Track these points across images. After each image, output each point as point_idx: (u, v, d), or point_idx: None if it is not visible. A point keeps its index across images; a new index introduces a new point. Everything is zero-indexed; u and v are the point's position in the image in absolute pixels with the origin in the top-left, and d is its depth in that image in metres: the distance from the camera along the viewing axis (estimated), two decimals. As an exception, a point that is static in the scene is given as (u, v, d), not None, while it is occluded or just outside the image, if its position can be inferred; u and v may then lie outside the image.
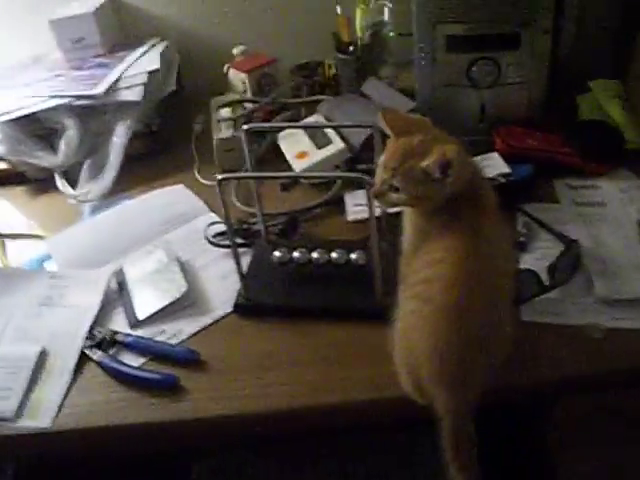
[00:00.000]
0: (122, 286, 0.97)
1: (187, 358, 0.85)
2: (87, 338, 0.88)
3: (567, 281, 0.89)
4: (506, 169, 1.02)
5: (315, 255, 0.93)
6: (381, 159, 0.75)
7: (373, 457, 1.04)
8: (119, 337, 0.88)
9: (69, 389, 0.83)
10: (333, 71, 1.38)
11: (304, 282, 0.93)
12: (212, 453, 1.27)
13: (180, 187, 1.17)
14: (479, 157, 1.06)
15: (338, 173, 0.89)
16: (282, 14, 1.43)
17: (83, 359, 0.86)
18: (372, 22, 1.26)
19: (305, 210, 1.08)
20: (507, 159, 1.05)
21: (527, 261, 0.93)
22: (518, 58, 1.06)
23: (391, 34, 1.28)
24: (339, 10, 1.30)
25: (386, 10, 1.27)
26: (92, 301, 0.94)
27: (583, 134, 1.10)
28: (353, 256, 0.92)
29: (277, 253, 0.94)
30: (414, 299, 0.72)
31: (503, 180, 1.00)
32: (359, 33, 1.30)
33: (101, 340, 0.88)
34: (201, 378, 0.83)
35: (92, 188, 1.16)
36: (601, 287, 0.87)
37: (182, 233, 1.07)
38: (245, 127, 0.89)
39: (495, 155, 1.06)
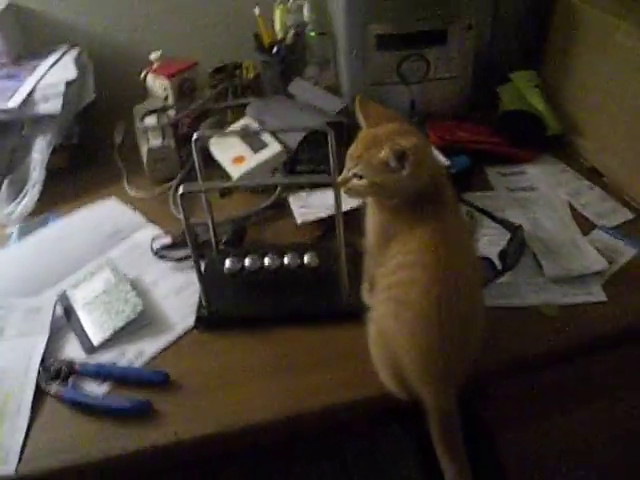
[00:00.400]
0: (69, 311, 0.91)
1: (155, 380, 0.81)
2: (40, 371, 0.82)
3: (516, 264, 0.94)
4: (445, 162, 1.05)
5: (267, 261, 0.92)
6: (349, 149, 0.75)
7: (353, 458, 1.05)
8: (76, 366, 0.82)
9: (29, 429, 0.76)
10: (253, 73, 1.36)
11: (262, 289, 0.91)
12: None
13: (112, 201, 1.11)
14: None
15: (307, 177, 0.86)
16: (198, 16, 1.39)
17: (40, 395, 0.80)
18: (295, 22, 1.26)
19: (249, 216, 1.06)
20: (442, 152, 1.09)
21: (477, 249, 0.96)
22: (445, 53, 1.10)
23: (312, 34, 1.29)
24: (257, 11, 1.29)
25: (305, 10, 1.28)
26: (38, 331, 0.87)
27: (509, 123, 1.16)
28: (306, 259, 0.92)
29: (228, 263, 0.91)
30: (390, 302, 0.73)
31: (444, 172, 1.03)
32: (280, 34, 1.29)
33: (57, 371, 0.82)
34: (173, 400, 0.79)
35: (15, 209, 1.07)
36: (549, 267, 0.92)
37: (123, 249, 1.01)
38: (194, 137, 0.86)
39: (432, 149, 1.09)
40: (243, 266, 0.91)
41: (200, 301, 0.89)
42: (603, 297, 0.89)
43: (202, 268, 0.94)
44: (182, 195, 0.76)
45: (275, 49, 1.25)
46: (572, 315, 0.88)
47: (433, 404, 0.72)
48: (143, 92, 1.32)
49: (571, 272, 0.92)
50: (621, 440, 1.04)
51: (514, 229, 0.97)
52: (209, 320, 0.88)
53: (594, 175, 1.12)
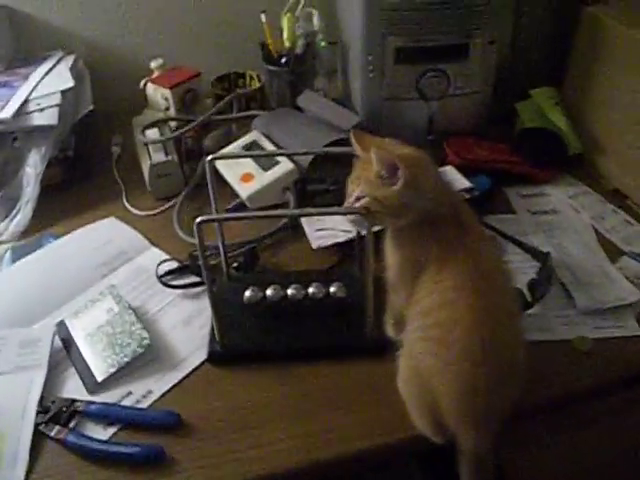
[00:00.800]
0: (68, 344, 0.84)
1: (166, 422, 0.74)
2: (39, 412, 0.75)
3: (545, 295, 0.89)
4: (467, 184, 1.00)
5: (290, 291, 0.86)
6: (349, 177, 0.74)
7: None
8: (79, 406, 0.76)
9: (27, 478, 0.70)
10: (257, 83, 1.30)
11: (282, 321, 0.85)
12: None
13: (112, 220, 1.04)
14: (434, 171, 1.04)
15: (323, 210, 0.81)
16: (200, 23, 1.33)
17: (39, 438, 0.73)
18: (304, 31, 1.20)
19: (261, 239, 0.99)
20: (461, 172, 1.04)
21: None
22: (466, 68, 1.05)
23: (322, 43, 1.23)
24: (264, 18, 1.23)
25: (315, 18, 1.22)
26: (36, 365, 0.80)
27: (528, 141, 1.11)
28: (332, 289, 0.86)
29: (248, 293, 0.85)
30: (429, 341, 0.68)
31: (468, 196, 0.98)
32: (287, 43, 1.23)
33: (57, 412, 0.75)
34: (186, 444, 0.73)
35: (6, 228, 1.00)
36: (581, 299, 0.88)
37: (125, 274, 0.95)
38: (209, 158, 0.79)
39: (452, 169, 1.04)
40: (264, 296, 0.85)
41: (212, 333, 0.83)
42: (638, 331, 0.85)
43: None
44: (199, 225, 0.70)
45: (284, 59, 1.19)
46: (606, 350, 0.83)
47: (471, 446, 0.68)
48: (142, 102, 1.25)
49: (604, 304, 0.87)
50: None
51: (543, 257, 0.92)
52: (223, 355, 0.82)
53: (617, 197, 1.07)
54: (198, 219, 0.69)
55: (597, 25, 1.06)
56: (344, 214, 0.73)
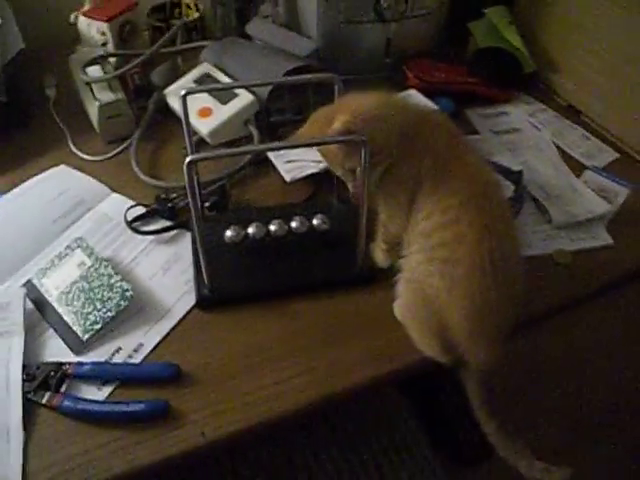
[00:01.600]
0: (40, 305, 0.78)
1: (165, 375, 0.71)
2: (24, 381, 0.70)
3: (519, 212, 0.91)
4: (433, 107, 0.98)
5: (273, 227, 0.82)
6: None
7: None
8: (68, 369, 0.71)
9: (25, 451, 0.65)
10: (195, 12, 1.21)
11: (268, 259, 0.82)
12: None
13: (62, 168, 0.96)
14: (398, 96, 1.02)
15: (337, 138, 0.67)
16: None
17: (30, 408, 0.68)
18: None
19: (229, 175, 0.94)
20: (424, 94, 1.02)
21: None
22: (424, -12, 1.02)
23: (265, -34, 1.15)
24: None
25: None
26: (10, 331, 0.74)
27: (484, 61, 1.10)
28: (315, 222, 0.83)
29: (229, 232, 0.81)
30: (435, 262, 0.68)
31: (435, 118, 0.97)
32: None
33: (45, 378, 0.70)
34: (189, 394, 0.70)
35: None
36: (556, 213, 0.90)
37: (88, 225, 0.88)
38: (183, 92, 0.73)
39: (415, 93, 1.02)
40: (247, 234, 0.81)
41: (198, 278, 0.79)
42: (610, 240, 0.88)
43: (192, 239, 0.85)
44: (189, 164, 0.65)
45: (228, -15, 1.12)
46: (584, 261, 0.86)
47: (484, 359, 0.69)
48: (72, 38, 1.14)
49: (577, 217, 0.90)
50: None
51: (516, 176, 0.93)
52: (212, 299, 0.78)
53: (572, 113, 1.10)
54: (189, 158, 0.64)
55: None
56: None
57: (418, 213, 0.70)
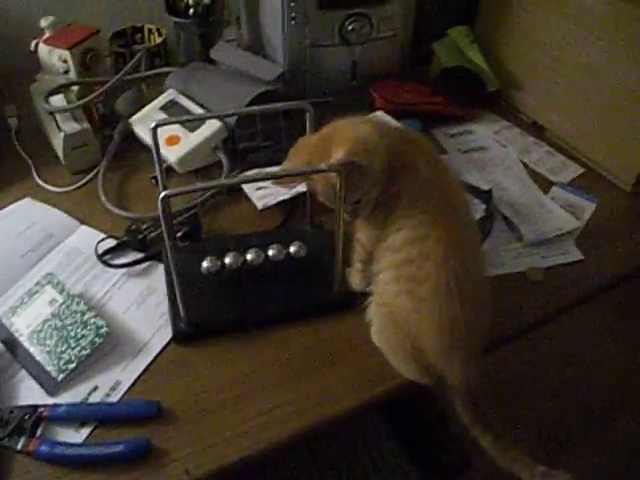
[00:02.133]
0: (11, 345, 0.75)
1: (146, 413, 0.69)
2: (-4, 426, 0.67)
3: (490, 231, 0.92)
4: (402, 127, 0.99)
5: (250, 256, 0.81)
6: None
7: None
8: (43, 411, 0.68)
9: (2, 499, 0.63)
10: (157, 37, 1.20)
11: (246, 288, 0.81)
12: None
13: (28, 201, 0.93)
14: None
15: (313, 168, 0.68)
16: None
17: (3, 455, 0.65)
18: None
19: (199, 204, 0.93)
20: (392, 116, 1.03)
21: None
22: (388, 12, 1.03)
23: (229, -10, 1.15)
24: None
25: (217, -36, 1.13)
26: (-21, 374, 0.71)
27: (449, 82, 1.12)
28: (292, 249, 0.83)
29: (206, 263, 0.80)
30: (402, 280, 0.69)
31: (404, 140, 0.98)
32: (189, -9, 1.14)
33: (19, 423, 0.67)
34: (172, 432, 0.68)
35: None
36: (527, 231, 0.91)
37: (58, 259, 0.86)
38: (153, 124, 0.72)
39: (383, 114, 1.03)
40: (223, 264, 0.80)
41: (173, 310, 0.77)
42: (580, 256, 0.90)
43: (165, 270, 0.84)
44: (164, 199, 0.64)
45: (191, 10, 1.11)
46: (555, 277, 0.88)
47: (461, 377, 0.70)
48: (32, 67, 1.12)
49: (547, 234, 0.91)
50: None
51: (486, 195, 0.94)
52: (189, 332, 0.77)
53: (536, 130, 1.12)
54: (163, 193, 0.63)
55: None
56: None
57: (390, 226, 0.70)
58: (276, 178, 0.73)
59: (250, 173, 0.95)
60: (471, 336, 0.69)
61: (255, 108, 0.80)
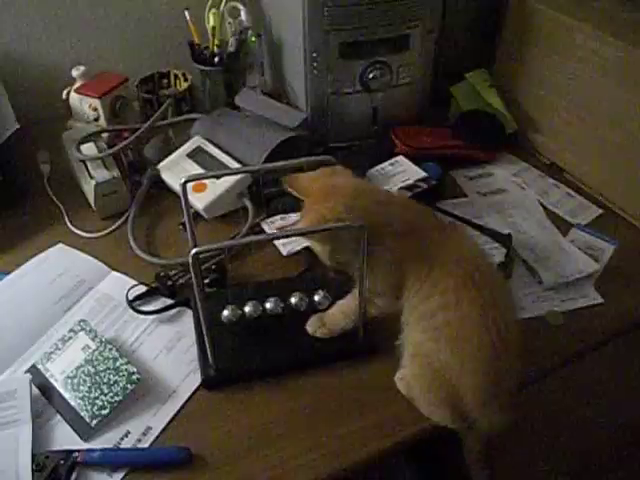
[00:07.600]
0: (46, 390, 0.78)
1: (177, 459, 0.71)
2: (34, 471, 0.69)
3: (510, 275, 0.94)
4: (423, 173, 1.02)
5: (269, 305, 0.83)
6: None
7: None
8: (77, 456, 0.71)
9: None
10: (183, 82, 1.24)
11: (269, 336, 0.83)
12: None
13: (61, 247, 0.97)
14: (386, 163, 1.05)
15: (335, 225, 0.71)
16: (120, 25, 1.25)
17: (40, 500, 0.68)
18: (235, 28, 1.15)
19: (226, 250, 0.96)
20: (412, 161, 1.06)
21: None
22: (408, 59, 1.06)
23: (253, 38, 1.19)
24: (188, 15, 1.17)
25: (242, 13, 1.17)
26: (17, 420, 0.74)
27: (467, 125, 1.14)
28: (317, 298, 0.85)
29: (226, 312, 0.82)
30: (442, 340, 0.71)
31: (425, 185, 1.00)
32: (216, 40, 1.18)
33: (54, 468, 0.70)
34: (203, 477, 0.71)
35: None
36: (546, 275, 0.92)
37: (90, 306, 0.89)
38: (182, 181, 0.75)
39: (403, 159, 1.05)
40: (244, 313, 0.82)
41: (202, 357, 0.80)
42: (599, 299, 0.91)
43: (193, 317, 0.86)
44: (195, 256, 0.66)
45: (217, 58, 1.15)
46: (575, 321, 0.89)
47: (494, 424, 0.72)
48: (63, 114, 1.16)
49: (567, 278, 0.92)
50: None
51: (505, 239, 0.96)
52: (218, 378, 0.79)
53: (554, 171, 1.14)
54: (193, 250, 0.66)
55: (527, 9, 1.10)
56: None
57: (415, 296, 0.72)
58: (301, 235, 0.77)
59: (275, 223, 0.99)
60: (510, 383, 0.72)
61: (279, 164, 0.82)
